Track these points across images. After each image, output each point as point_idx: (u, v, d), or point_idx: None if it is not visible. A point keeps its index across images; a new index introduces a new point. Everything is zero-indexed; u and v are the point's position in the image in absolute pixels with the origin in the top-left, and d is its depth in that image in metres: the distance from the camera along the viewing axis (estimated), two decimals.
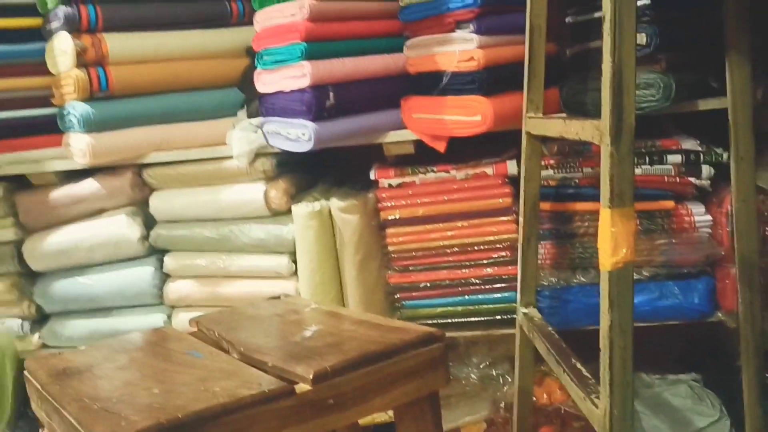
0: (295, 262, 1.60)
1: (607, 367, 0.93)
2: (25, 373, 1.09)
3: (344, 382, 0.93)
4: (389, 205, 1.56)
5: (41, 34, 1.62)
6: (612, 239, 0.89)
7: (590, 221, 1.44)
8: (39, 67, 1.62)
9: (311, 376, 0.91)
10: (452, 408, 1.71)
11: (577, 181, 1.45)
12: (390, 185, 1.57)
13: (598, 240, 0.91)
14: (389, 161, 1.61)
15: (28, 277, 1.71)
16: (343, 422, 0.97)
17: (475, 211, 1.53)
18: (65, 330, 1.68)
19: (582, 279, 1.46)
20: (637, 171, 1.39)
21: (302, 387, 0.91)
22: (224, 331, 1.13)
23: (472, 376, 1.73)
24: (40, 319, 1.72)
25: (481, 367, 1.72)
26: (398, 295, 1.59)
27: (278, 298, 1.34)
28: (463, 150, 1.54)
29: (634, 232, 0.90)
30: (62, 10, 1.50)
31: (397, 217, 1.56)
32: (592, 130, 0.96)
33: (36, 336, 1.69)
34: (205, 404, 0.84)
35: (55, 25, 1.54)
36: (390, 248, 1.57)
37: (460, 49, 1.41)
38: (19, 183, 1.69)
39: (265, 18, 1.49)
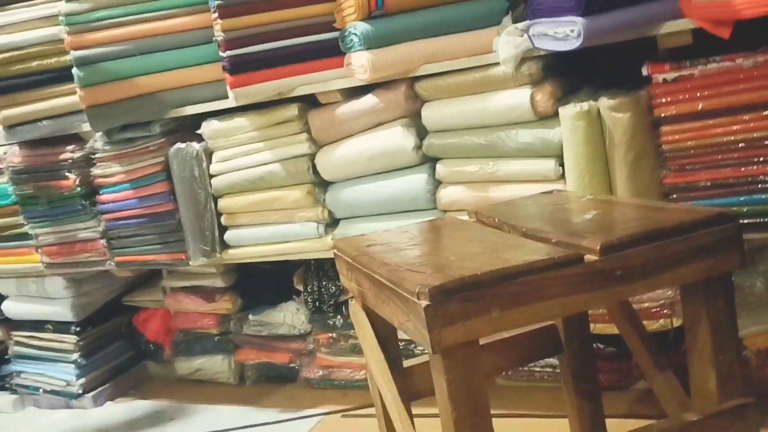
0: (562, 165, 1.61)
1: None
2: (335, 251, 1.26)
3: (632, 255, 0.94)
4: (664, 101, 1.49)
5: None
6: None
7: None
8: None
9: (599, 247, 0.94)
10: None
11: None
12: (665, 80, 1.49)
13: None
14: (662, 56, 1.53)
15: (321, 186, 1.93)
16: (630, 294, 0.99)
17: (765, 102, 1.40)
18: (352, 232, 1.88)
19: None
20: None
21: (590, 257, 0.94)
22: (504, 217, 1.19)
23: (758, 284, 1.61)
24: (331, 222, 1.95)
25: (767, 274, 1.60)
26: (674, 196, 1.53)
27: (551, 192, 1.38)
28: (748, 37, 1.41)
29: None
30: None
31: (674, 113, 1.48)
32: None
33: (329, 237, 1.92)
34: (500, 266, 0.91)
35: None
36: (665, 147, 1.51)
37: None
38: (310, 102, 1.90)
39: None
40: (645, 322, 1.64)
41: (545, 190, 1.49)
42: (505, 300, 0.89)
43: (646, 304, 1.69)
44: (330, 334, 2.09)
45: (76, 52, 1.94)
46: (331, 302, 2.07)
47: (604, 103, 1.53)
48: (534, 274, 0.91)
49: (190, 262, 2.07)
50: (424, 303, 0.86)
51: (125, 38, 1.95)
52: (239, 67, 1.83)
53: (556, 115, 1.60)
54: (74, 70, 1.95)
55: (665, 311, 1.66)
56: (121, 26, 1.94)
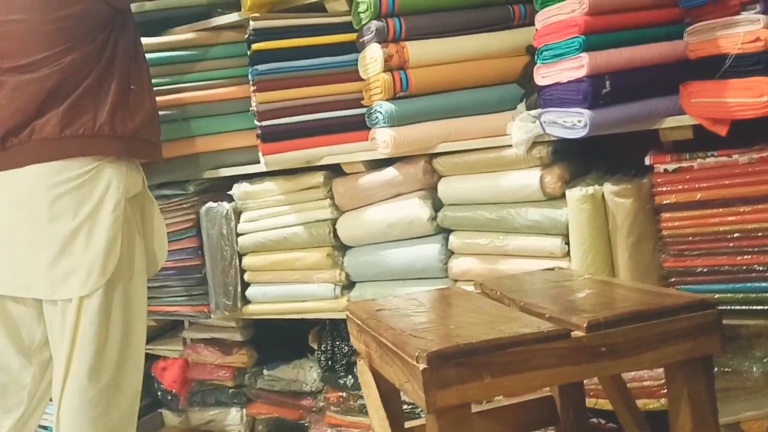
0: (568, 243, 1.70)
1: None
2: (347, 313, 1.36)
3: (617, 334, 1.03)
4: (665, 189, 1.59)
5: (355, 47, 1.95)
6: None
7: None
8: (351, 74, 1.95)
9: (585, 324, 1.02)
10: (731, 401, 1.66)
11: None
12: (666, 170, 1.59)
13: None
14: (665, 147, 1.64)
15: (340, 249, 2.04)
16: (615, 370, 1.07)
17: (759, 195, 1.49)
18: (367, 294, 1.97)
19: None
20: None
21: (577, 333, 1.03)
22: (505, 290, 1.29)
23: (754, 370, 1.67)
24: (348, 284, 2.05)
25: (764, 361, 1.65)
26: (672, 279, 1.61)
27: (553, 269, 1.47)
28: (744, 134, 1.52)
29: None
30: (375, 24, 1.80)
31: (674, 201, 1.58)
32: None
33: (345, 299, 2.02)
34: (493, 336, 1.01)
35: (367, 37, 1.84)
36: (665, 232, 1.60)
37: (745, 30, 1.40)
38: (335, 171, 2.03)
39: (546, 16, 1.62)
40: (645, 401, 1.71)
41: (549, 266, 1.59)
42: (496, 368, 0.97)
43: (647, 383, 1.74)
44: (340, 393, 2.16)
45: None
46: (344, 362, 2.15)
47: (609, 188, 1.63)
48: (524, 346, 0.99)
49: (212, 315, 2.18)
50: (422, 366, 0.95)
51: (171, 104, 2.12)
52: (272, 136, 1.98)
53: (563, 196, 1.70)
54: None
55: (663, 391, 1.71)
56: (168, 93, 2.11)
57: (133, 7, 2.01)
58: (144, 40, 2.03)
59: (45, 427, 2.17)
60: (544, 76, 1.66)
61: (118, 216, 1.67)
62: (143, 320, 1.76)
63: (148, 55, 2.06)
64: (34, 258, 1.63)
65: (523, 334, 1.00)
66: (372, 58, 1.83)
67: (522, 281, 1.39)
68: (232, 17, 2.08)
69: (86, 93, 1.66)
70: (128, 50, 1.77)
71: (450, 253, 1.90)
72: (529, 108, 1.77)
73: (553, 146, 1.73)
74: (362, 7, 1.83)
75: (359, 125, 1.97)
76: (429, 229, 1.90)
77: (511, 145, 1.73)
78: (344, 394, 2.15)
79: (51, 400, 1.73)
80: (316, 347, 2.21)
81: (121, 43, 1.73)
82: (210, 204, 2.15)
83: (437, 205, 1.91)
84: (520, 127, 1.71)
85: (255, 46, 1.95)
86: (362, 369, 1.31)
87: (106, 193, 1.66)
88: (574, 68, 1.55)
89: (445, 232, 1.91)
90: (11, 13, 1.61)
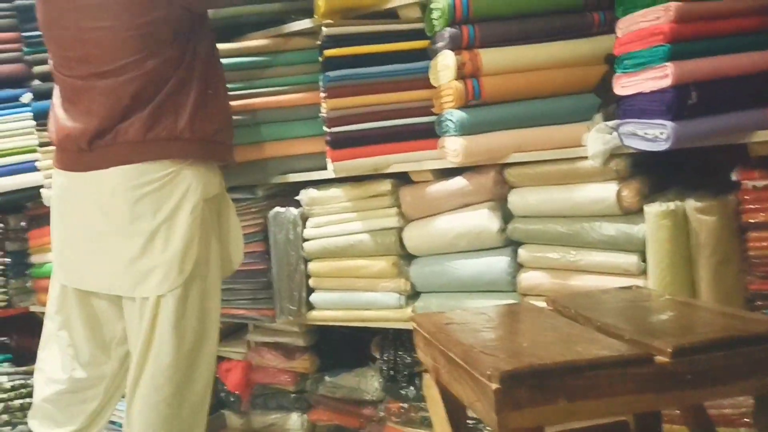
0: (644, 261, 1.63)
1: None
2: (413, 325, 1.33)
3: (704, 360, 0.96)
4: (752, 207, 1.50)
5: (426, 54, 1.92)
6: None
7: None
8: (422, 82, 1.93)
9: (670, 349, 0.97)
10: None
11: None
12: (754, 187, 1.51)
13: None
14: (753, 162, 1.55)
15: (406, 259, 2.02)
16: (699, 399, 1.01)
17: None
18: (432, 305, 1.94)
19: None
20: None
21: (661, 359, 0.97)
22: (580, 308, 1.24)
23: None
24: (412, 294, 2.03)
25: None
26: (758, 303, 1.52)
27: (630, 288, 1.41)
28: None
29: None
30: (448, 32, 1.77)
31: (762, 220, 1.49)
32: None
33: (409, 309, 2.00)
34: (570, 358, 0.96)
35: (440, 44, 1.81)
36: (751, 253, 1.51)
37: None
38: (403, 179, 2.01)
39: (628, 24, 1.56)
40: (724, 429, 1.61)
41: (625, 284, 1.52)
42: (572, 392, 0.93)
43: (727, 410, 1.65)
44: (401, 404, 2.13)
45: None
46: (405, 372, 2.13)
47: (692, 204, 1.56)
48: (602, 370, 0.94)
49: (276, 320, 2.19)
50: (495, 386, 0.91)
51: (242, 109, 2.14)
52: (340, 143, 1.98)
53: (641, 211, 1.63)
54: None
55: (745, 419, 1.62)
56: (240, 99, 2.13)
57: (209, 13, 2.05)
58: (218, 46, 2.07)
59: (113, 422, 2.22)
60: (624, 85, 1.60)
61: (195, 217, 1.70)
62: (216, 321, 1.79)
63: (222, 61, 2.10)
64: (115, 256, 1.68)
65: (602, 357, 0.95)
66: (444, 65, 1.80)
67: (597, 299, 1.33)
68: (305, 23, 2.08)
69: (168, 97, 1.69)
70: (206, 55, 1.80)
71: (519, 267, 1.84)
72: (606, 119, 1.70)
73: (632, 159, 1.66)
74: (436, 14, 1.81)
75: (428, 133, 1.94)
76: (498, 241, 1.85)
77: (586, 157, 1.67)
78: (405, 405, 2.12)
79: (123, 396, 1.77)
80: (378, 356, 2.19)
81: (200, 47, 1.77)
82: (278, 209, 2.16)
83: (506, 217, 1.86)
84: (597, 138, 1.65)
85: (327, 53, 1.95)
86: (428, 383, 1.28)
87: (185, 194, 1.69)
88: (657, 78, 1.49)
89: (514, 244, 1.86)
90: (97, 20, 1.65)
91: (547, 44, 1.78)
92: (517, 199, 1.82)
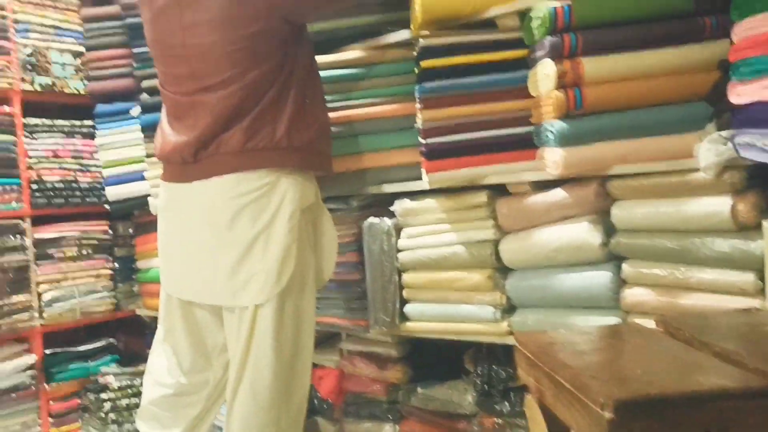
0: (762, 279, 1.53)
1: None
2: (516, 343, 1.30)
3: None
4: None
5: (524, 63, 1.88)
6: None
7: None
8: (520, 92, 1.89)
9: None
10: None
11: None
12: None
13: None
14: None
15: (502, 272, 1.98)
16: None
17: None
18: (528, 321, 1.90)
19: None
20: None
21: None
22: (695, 331, 1.17)
23: None
24: (508, 308, 1.98)
25: None
26: None
27: (749, 310, 1.32)
28: None
29: None
30: (548, 40, 1.72)
31: None
32: None
33: (505, 323, 1.96)
34: (691, 388, 0.90)
35: (540, 53, 1.77)
36: None
37: None
38: (500, 190, 1.98)
39: (745, 28, 1.47)
40: None
41: (740, 304, 1.43)
42: (693, 425, 0.87)
43: None
44: (496, 419, 2.09)
45: None
46: (500, 387, 2.08)
47: None
48: (728, 401, 0.88)
49: (370, 330, 2.19)
50: (608, 415, 0.87)
51: (337, 121, 2.16)
52: (436, 154, 1.96)
53: (758, 227, 1.53)
54: None
55: None
56: (336, 110, 2.16)
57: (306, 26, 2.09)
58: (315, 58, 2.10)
59: (219, 428, 2.29)
60: (741, 94, 1.51)
61: (293, 226, 1.72)
62: (312, 330, 1.81)
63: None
64: (215, 266, 1.73)
65: (727, 388, 0.89)
66: (544, 74, 1.75)
67: (713, 322, 1.25)
68: (401, 35, 2.08)
69: (267, 108, 1.73)
70: (305, 65, 1.83)
71: (622, 283, 1.77)
72: (720, 128, 1.61)
73: (748, 171, 1.57)
74: (535, 23, 1.76)
75: (526, 144, 1.90)
76: (599, 256, 1.79)
77: (698, 169, 1.59)
78: (500, 421, 2.08)
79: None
80: (471, 369, 2.16)
81: (298, 58, 1.80)
82: (372, 219, 2.17)
83: (608, 231, 1.79)
84: (710, 149, 1.56)
85: (423, 64, 1.95)
86: (530, 404, 1.24)
87: (282, 203, 1.72)
88: None
89: (616, 259, 1.79)
90: (201, 37, 1.71)
91: (654, 51, 1.70)
92: (620, 213, 1.75)
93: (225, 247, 1.72)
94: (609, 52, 1.72)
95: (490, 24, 1.94)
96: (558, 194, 1.84)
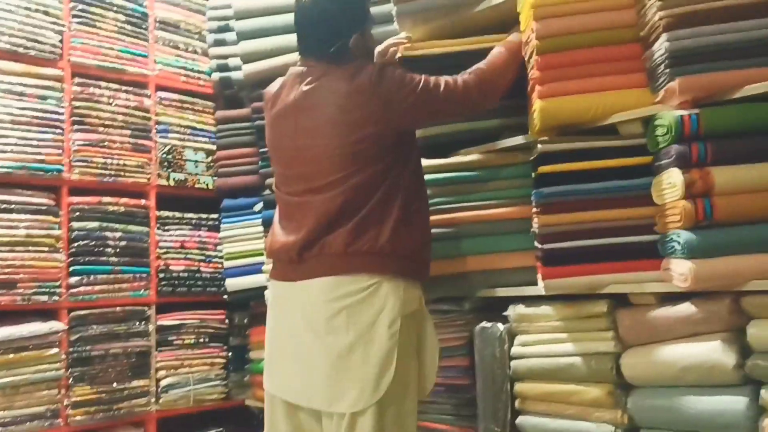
0: None
1: None
2: None
3: None
4: None
5: (647, 170, 1.83)
6: None
7: None
8: (643, 199, 1.82)
9: None
10: None
11: None
12: None
13: None
14: None
15: (623, 388, 1.86)
16: None
17: None
18: None
19: None
20: None
21: None
22: None
23: None
24: (629, 429, 1.84)
25: None
26: None
27: None
28: None
29: None
30: (674, 149, 1.67)
31: None
32: None
33: None
34: None
35: (665, 161, 1.72)
36: None
37: None
38: (621, 301, 1.88)
39: None
40: None
41: None
42: None
43: None
44: None
45: None
46: None
47: None
48: None
49: None
50: None
51: (453, 222, 2.16)
52: (553, 260, 1.91)
53: None
54: None
55: None
56: (452, 212, 2.16)
57: (421, 132, 2.14)
58: (431, 162, 2.14)
59: None
60: None
61: (393, 334, 1.70)
62: None
63: (435, 176, 2.17)
64: (315, 369, 1.73)
65: None
66: (670, 183, 1.69)
67: None
68: (517, 140, 2.09)
69: (372, 211, 1.76)
70: (412, 171, 1.86)
71: (761, 410, 1.61)
72: None
73: None
74: (660, 131, 1.72)
75: (650, 252, 1.81)
76: (734, 379, 1.64)
77: None
78: None
79: None
80: None
81: (407, 164, 1.83)
82: (484, 324, 2.11)
83: (744, 351, 1.65)
84: None
85: (541, 169, 1.93)
86: None
87: (382, 310, 1.71)
88: None
89: (754, 383, 1.63)
90: (313, 139, 1.79)
91: None
92: (758, 332, 1.62)
93: (323, 350, 1.72)
94: (741, 162, 1.64)
95: (611, 130, 1.92)
96: (687, 309, 1.73)
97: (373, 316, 1.71)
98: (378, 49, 2.16)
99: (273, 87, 1.95)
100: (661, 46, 1.71)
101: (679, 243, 1.67)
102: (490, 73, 1.95)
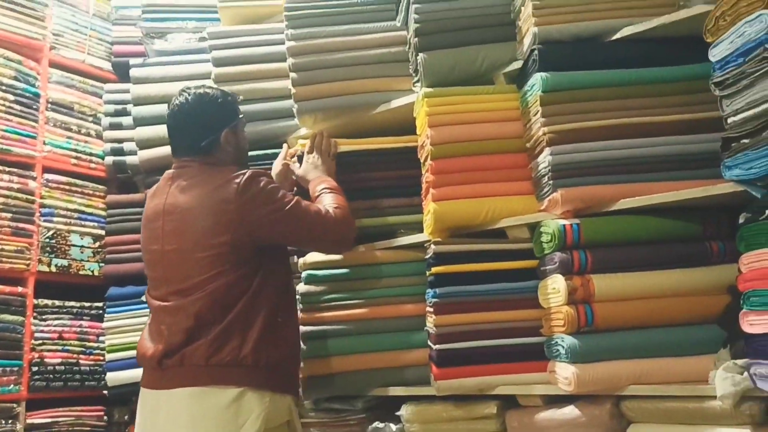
0: None
1: None
2: None
3: None
4: None
5: (535, 273, 1.90)
6: None
7: None
8: (531, 302, 1.89)
9: None
10: None
11: None
12: None
13: None
14: None
15: None
16: None
17: None
18: None
19: None
20: None
21: None
22: None
23: None
24: None
25: None
26: None
27: None
28: None
29: None
30: (558, 256, 1.75)
31: None
32: None
33: None
34: None
35: (550, 267, 1.80)
36: None
37: None
38: (510, 401, 1.92)
39: (752, 260, 1.49)
40: None
41: None
42: None
43: None
44: None
45: (303, 327, 2.15)
46: None
47: None
48: None
49: None
50: None
51: (345, 319, 2.15)
52: (445, 361, 1.93)
53: None
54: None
55: None
56: (344, 309, 2.15)
57: None
58: (325, 256, 2.14)
59: None
60: (753, 323, 1.49)
61: None
62: None
63: (330, 271, 2.16)
64: None
65: None
66: (554, 289, 1.77)
67: None
68: (414, 238, 2.14)
69: (234, 322, 1.74)
70: (279, 283, 1.86)
71: None
72: (735, 356, 1.59)
73: (766, 403, 1.52)
74: (545, 238, 1.81)
75: (537, 354, 1.87)
76: None
77: (714, 396, 1.54)
78: None
79: None
80: None
81: (269, 276, 1.82)
82: (377, 424, 2.09)
83: None
84: (726, 377, 1.52)
85: (434, 269, 1.97)
86: None
87: (246, 421, 1.69)
88: None
89: None
90: (177, 242, 1.79)
91: (663, 272, 1.73)
92: None
93: None
94: (619, 271, 1.74)
95: (501, 233, 2.00)
96: (571, 411, 1.78)
97: (236, 428, 1.68)
98: (274, 171, 2.19)
99: (151, 189, 1.96)
100: (545, 159, 1.82)
101: (563, 347, 1.73)
102: (347, 211, 1.98)
